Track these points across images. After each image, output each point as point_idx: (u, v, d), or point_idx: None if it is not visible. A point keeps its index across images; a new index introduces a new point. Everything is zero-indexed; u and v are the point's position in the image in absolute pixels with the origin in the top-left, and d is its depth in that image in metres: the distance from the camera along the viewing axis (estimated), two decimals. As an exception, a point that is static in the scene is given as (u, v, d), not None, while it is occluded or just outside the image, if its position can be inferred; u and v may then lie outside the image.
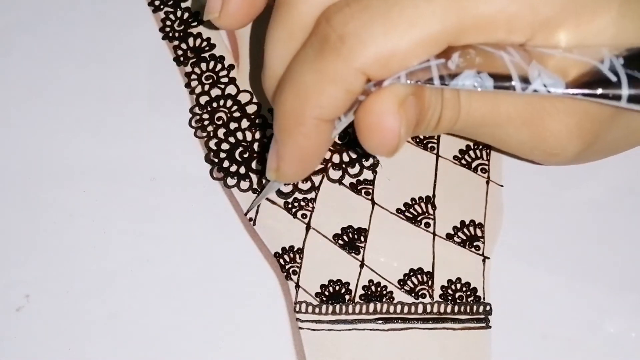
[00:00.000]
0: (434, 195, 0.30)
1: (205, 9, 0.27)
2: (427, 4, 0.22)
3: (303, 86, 0.23)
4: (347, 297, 0.29)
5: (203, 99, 0.32)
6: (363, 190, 0.30)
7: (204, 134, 0.31)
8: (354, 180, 0.30)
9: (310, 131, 0.24)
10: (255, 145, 0.31)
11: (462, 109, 0.25)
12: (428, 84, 0.22)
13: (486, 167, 0.31)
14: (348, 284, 0.29)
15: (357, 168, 0.31)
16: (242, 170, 0.31)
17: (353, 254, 0.29)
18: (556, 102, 0.25)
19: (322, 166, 0.31)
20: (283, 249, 0.29)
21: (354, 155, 0.31)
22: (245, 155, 0.31)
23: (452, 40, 0.22)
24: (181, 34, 0.34)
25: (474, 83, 0.22)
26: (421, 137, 0.31)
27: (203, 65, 0.33)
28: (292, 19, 0.24)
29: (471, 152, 0.31)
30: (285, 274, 0.29)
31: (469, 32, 0.22)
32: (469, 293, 0.29)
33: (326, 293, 0.29)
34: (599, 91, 0.22)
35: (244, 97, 0.32)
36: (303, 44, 0.24)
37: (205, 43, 0.33)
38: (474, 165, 0.31)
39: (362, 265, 0.29)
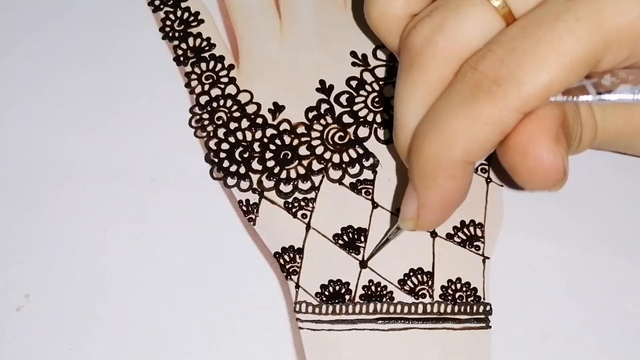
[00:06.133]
0: (434, 195, 0.30)
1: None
2: (569, 32, 0.22)
3: (451, 131, 0.24)
4: (347, 297, 0.29)
5: (203, 99, 0.32)
6: (363, 190, 0.30)
7: (204, 134, 0.31)
8: (354, 180, 0.30)
9: (457, 174, 0.24)
10: (255, 145, 0.31)
11: (598, 127, 0.26)
12: (585, 99, 0.23)
13: (486, 167, 0.31)
14: (348, 283, 0.29)
15: (357, 168, 0.31)
16: (242, 170, 0.31)
17: (353, 254, 0.29)
18: None
19: (322, 166, 0.31)
20: (283, 248, 0.29)
21: (354, 155, 0.31)
22: (245, 155, 0.31)
23: (599, 57, 0.23)
24: (181, 33, 0.34)
25: (634, 96, 0.23)
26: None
27: (203, 65, 0.33)
28: (427, 78, 0.25)
29: (471, 152, 0.31)
30: (285, 274, 0.29)
31: (613, 47, 0.23)
32: (469, 293, 0.29)
33: (326, 293, 0.29)
34: None
35: (244, 97, 0.32)
36: (444, 92, 0.25)
37: (205, 43, 0.33)
38: (474, 165, 0.31)
39: (362, 265, 0.29)
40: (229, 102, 0.32)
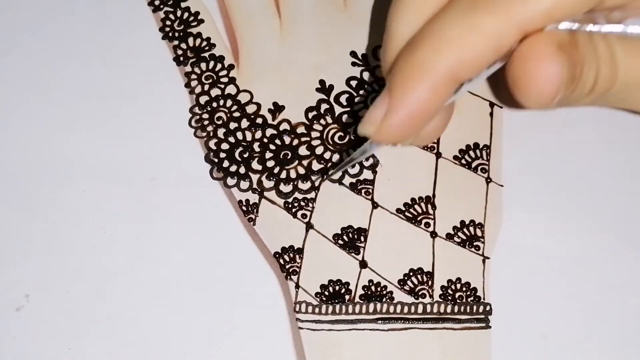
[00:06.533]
0: (434, 195, 0.30)
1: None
2: None
3: (446, 39, 0.23)
4: (347, 297, 0.29)
5: (203, 99, 0.32)
6: (363, 190, 0.30)
7: (204, 134, 0.31)
8: (354, 180, 0.30)
9: (439, 87, 0.23)
10: (255, 145, 0.31)
11: (619, 66, 0.24)
12: (591, 28, 0.22)
13: (486, 167, 0.31)
14: (348, 284, 0.29)
15: (357, 168, 0.31)
16: (242, 170, 0.31)
17: (353, 254, 0.29)
18: None
19: (322, 166, 0.31)
20: (283, 248, 0.29)
21: (354, 155, 0.31)
22: (245, 155, 0.31)
23: None
24: (181, 33, 0.34)
25: None
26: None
27: (203, 65, 0.33)
28: None
29: (471, 152, 0.31)
30: (285, 273, 0.29)
31: None
32: (469, 293, 0.29)
33: (326, 293, 0.29)
34: None
35: (243, 97, 0.32)
36: (448, 2, 0.23)
37: (205, 43, 0.33)
38: (474, 165, 0.31)
39: (362, 265, 0.29)
40: (229, 102, 0.32)
